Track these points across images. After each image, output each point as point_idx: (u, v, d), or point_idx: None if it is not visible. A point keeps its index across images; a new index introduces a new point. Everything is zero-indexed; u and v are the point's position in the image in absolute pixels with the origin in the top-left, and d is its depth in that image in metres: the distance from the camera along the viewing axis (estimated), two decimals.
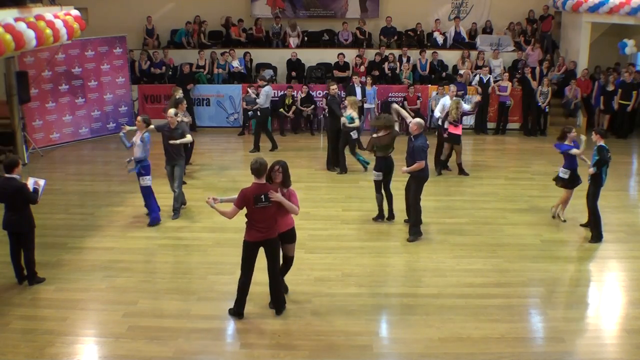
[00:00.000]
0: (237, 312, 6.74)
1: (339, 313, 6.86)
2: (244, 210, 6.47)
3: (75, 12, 12.30)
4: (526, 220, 9.62)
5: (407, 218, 9.22)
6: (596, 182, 8.71)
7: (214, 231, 9.12)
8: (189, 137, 9.60)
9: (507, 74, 15.34)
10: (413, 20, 17.05)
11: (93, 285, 7.52)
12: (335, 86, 12.19)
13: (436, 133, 12.15)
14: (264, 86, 13.21)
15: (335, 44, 16.97)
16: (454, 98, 11.74)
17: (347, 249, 8.54)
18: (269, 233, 6.48)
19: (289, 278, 7.14)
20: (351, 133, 11.73)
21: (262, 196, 6.36)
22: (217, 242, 8.75)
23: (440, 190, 11.02)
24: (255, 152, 13.37)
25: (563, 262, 8.27)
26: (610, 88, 14.98)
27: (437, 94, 14.70)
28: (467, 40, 16.83)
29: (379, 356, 6.20)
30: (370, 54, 16.14)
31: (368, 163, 11.78)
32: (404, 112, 9.60)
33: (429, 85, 15.43)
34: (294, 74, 16.06)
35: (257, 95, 13.37)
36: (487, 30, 17.08)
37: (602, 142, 8.68)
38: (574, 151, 9.06)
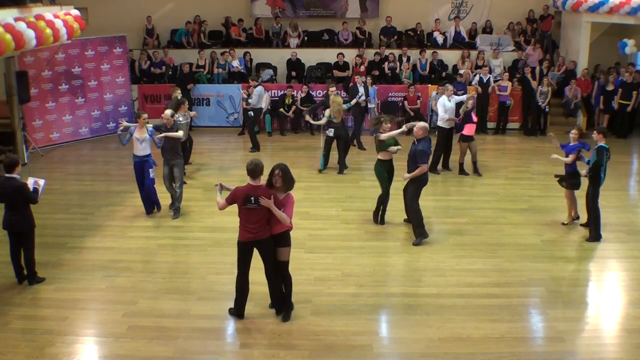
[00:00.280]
0: (237, 312, 6.73)
1: (339, 313, 6.86)
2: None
3: (75, 12, 12.31)
4: (526, 220, 9.62)
5: (406, 217, 9.21)
6: (595, 182, 8.71)
7: (214, 231, 9.12)
8: (180, 133, 9.58)
9: (507, 74, 15.34)
10: (413, 20, 17.05)
11: (93, 285, 7.52)
12: (334, 88, 12.16)
13: (436, 133, 12.13)
14: (256, 86, 13.22)
15: (335, 43, 16.97)
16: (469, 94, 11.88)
17: (347, 249, 8.54)
18: (260, 234, 6.41)
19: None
20: (326, 132, 11.82)
21: (252, 198, 6.30)
22: (216, 242, 8.75)
23: (440, 190, 11.03)
24: (254, 151, 13.41)
25: (563, 262, 8.27)
26: (610, 88, 14.98)
27: (437, 93, 14.71)
28: (467, 40, 16.83)
29: (379, 356, 6.20)
30: (370, 54, 16.13)
31: (322, 169, 12.02)
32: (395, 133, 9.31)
33: (429, 85, 15.43)
34: (294, 73, 16.06)
35: (249, 95, 13.39)
36: (487, 30, 17.09)
37: (603, 142, 8.67)
38: (567, 159, 9.00)
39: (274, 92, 15.47)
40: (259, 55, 16.46)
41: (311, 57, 16.44)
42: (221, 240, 8.75)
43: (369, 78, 14.52)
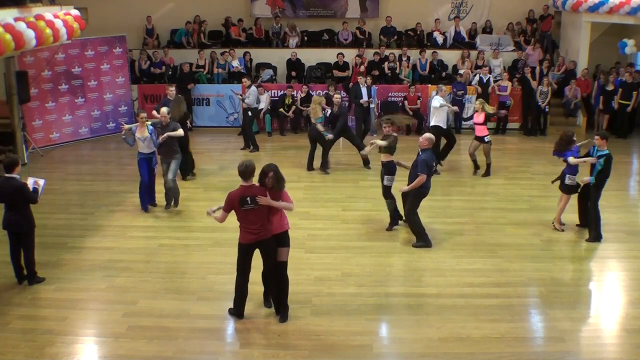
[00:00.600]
0: (236, 312, 6.73)
1: (339, 313, 6.86)
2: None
3: (75, 12, 12.31)
4: (526, 220, 9.62)
5: (405, 218, 9.19)
6: (601, 187, 8.73)
7: (214, 231, 9.10)
8: (180, 132, 9.71)
9: (506, 74, 15.34)
10: (413, 20, 17.05)
11: (93, 285, 7.52)
12: (339, 96, 12.14)
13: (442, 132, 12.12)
14: (249, 86, 13.24)
15: (335, 43, 16.97)
16: (479, 99, 11.94)
17: (347, 248, 8.54)
18: (262, 234, 6.42)
19: (289, 277, 7.06)
20: (328, 135, 11.84)
21: (248, 198, 6.30)
22: (216, 242, 8.75)
23: (440, 190, 11.01)
24: (254, 151, 13.43)
25: (563, 262, 8.27)
26: (610, 88, 14.99)
27: (436, 93, 14.71)
28: (467, 40, 16.84)
29: (379, 356, 6.20)
30: (370, 54, 16.13)
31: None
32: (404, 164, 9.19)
33: (429, 85, 15.43)
34: (293, 73, 16.06)
35: (242, 96, 13.41)
36: (487, 30, 17.09)
37: (605, 148, 8.64)
38: (572, 160, 8.92)
39: (274, 92, 15.46)
40: (259, 55, 16.46)
41: (311, 57, 16.45)
42: (221, 240, 8.74)
43: (368, 78, 14.51)
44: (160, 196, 10.16)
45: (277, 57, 16.49)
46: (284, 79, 16.27)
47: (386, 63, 15.85)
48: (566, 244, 8.86)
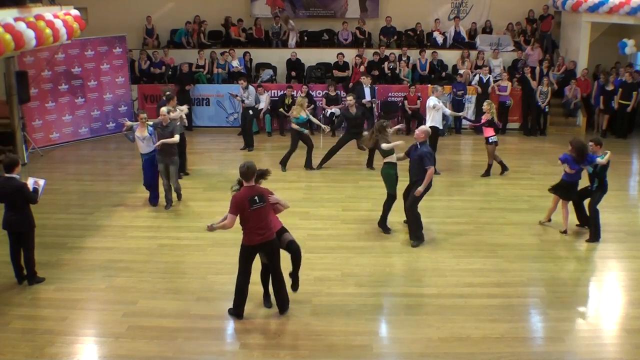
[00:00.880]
0: (236, 312, 6.74)
1: (339, 313, 6.86)
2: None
3: (75, 12, 12.30)
4: (526, 220, 9.61)
5: (406, 219, 9.18)
6: (603, 189, 8.77)
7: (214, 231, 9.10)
8: (176, 138, 9.79)
9: (506, 74, 15.34)
10: (413, 20, 17.05)
11: (93, 285, 7.52)
12: (351, 98, 12.14)
13: (439, 133, 12.12)
14: (246, 87, 13.27)
15: (335, 43, 16.97)
16: (487, 100, 11.93)
17: (347, 249, 8.54)
18: (268, 234, 6.47)
19: (288, 277, 7.06)
20: (305, 132, 11.99)
21: (256, 197, 6.37)
22: (216, 242, 8.74)
23: (440, 190, 11.01)
24: (251, 150, 13.53)
25: (563, 262, 8.27)
26: (610, 88, 14.99)
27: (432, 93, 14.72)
28: (466, 40, 16.83)
29: (378, 356, 6.20)
30: (370, 54, 16.13)
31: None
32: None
33: (429, 85, 15.40)
34: (293, 73, 16.05)
35: (240, 97, 13.43)
36: (487, 30, 17.08)
37: (600, 153, 8.65)
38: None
39: (274, 92, 15.46)
40: (259, 55, 16.46)
41: (311, 57, 16.44)
42: (221, 240, 8.73)
43: (368, 78, 14.51)
44: (160, 196, 10.18)
45: (277, 57, 16.48)
46: (284, 79, 16.26)
47: (386, 63, 15.85)
48: (566, 244, 8.85)
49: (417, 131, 8.73)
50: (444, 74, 16.06)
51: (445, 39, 16.86)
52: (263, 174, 6.69)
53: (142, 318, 6.77)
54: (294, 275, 6.92)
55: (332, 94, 15.02)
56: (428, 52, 16.18)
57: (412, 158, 8.62)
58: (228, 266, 7.81)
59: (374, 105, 14.34)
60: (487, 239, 8.94)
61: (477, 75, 15.29)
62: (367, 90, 13.54)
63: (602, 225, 8.90)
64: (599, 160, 8.62)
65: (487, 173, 11.82)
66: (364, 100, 13.44)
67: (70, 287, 7.48)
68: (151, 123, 9.85)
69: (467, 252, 8.49)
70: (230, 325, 6.68)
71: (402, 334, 6.50)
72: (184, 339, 6.38)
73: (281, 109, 15.08)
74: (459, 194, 11.01)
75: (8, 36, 9.34)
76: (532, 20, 17.15)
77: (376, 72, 15.66)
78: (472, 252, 8.49)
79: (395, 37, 16.95)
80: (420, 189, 8.47)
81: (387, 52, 16.15)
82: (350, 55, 16.00)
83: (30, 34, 9.92)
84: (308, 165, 12.15)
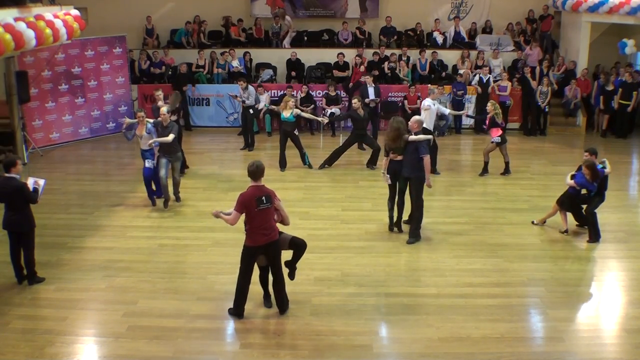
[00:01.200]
0: (236, 312, 6.74)
1: (339, 313, 6.86)
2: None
3: (75, 12, 12.29)
4: (526, 220, 9.61)
5: (406, 219, 9.18)
6: (601, 196, 8.82)
7: (214, 231, 9.11)
8: (170, 137, 9.81)
9: (506, 74, 15.34)
10: (413, 20, 17.05)
11: (93, 285, 7.52)
12: (357, 100, 12.12)
13: (436, 133, 12.11)
14: (245, 87, 13.29)
15: (335, 43, 16.96)
16: (491, 101, 11.91)
17: (347, 249, 8.54)
18: (272, 235, 6.49)
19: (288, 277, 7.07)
20: (295, 132, 11.99)
21: (263, 198, 6.37)
22: (216, 241, 8.75)
23: (440, 190, 11.02)
24: (251, 150, 13.54)
25: (563, 262, 8.27)
26: (610, 88, 14.98)
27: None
28: (466, 40, 16.83)
29: (378, 356, 6.20)
30: (370, 54, 16.12)
31: (309, 166, 12.16)
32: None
33: (429, 85, 15.39)
34: (293, 73, 16.05)
35: (241, 97, 13.43)
36: (487, 30, 17.08)
37: (596, 163, 8.66)
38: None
39: (274, 92, 15.46)
40: (259, 55, 16.45)
41: (311, 57, 16.44)
42: (221, 240, 8.75)
43: (371, 77, 14.48)
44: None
45: (277, 57, 16.48)
46: (284, 79, 16.26)
47: (386, 63, 15.85)
48: (566, 244, 8.85)
49: (410, 122, 8.73)
50: (444, 74, 16.06)
51: (445, 39, 16.86)
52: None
53: (142, 318, 6.77)
54: (292, 265, 6.91)
55: (332, 94, 15.01)
56: (428, 52, 16.18)
57: (408, 150, 8.58)
58: (228, 266, 7.81)
59: (377, 104, 14.32)
60: (487, 239, 8.94)
61: (477, 75, 15.29)
62: (371, 90, 13.53)
63: (602, 225, 8.91)
64: (607, 171, 8.72)
65: (484, 171, 11.84)
66: (367, 100, 13.43)
67: (70, 287, 7.48)
68: (151, 121, 9.93)
69: (467, 252, 8.49)
70: (230, 325, 6.68)
71: (402, 334, 6.50)
72: (184, 339, 6.37)
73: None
74: (459, 193, 11.01)
75: (8, 36, 9.34)
76: (532, 20, 17.15)
77: (376, 72, 15.65)
78: (472, 252, 8.50)
79: (395, 37, 16.94)
80: (429, 181, 8.52)
81: (387, 52, 16.15)
82: (350, 55, 15.99)
83: (30, 34, 9.92)
84: (305, 161, 12.17)
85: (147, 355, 6.11)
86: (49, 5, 11.78)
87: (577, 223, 9.30)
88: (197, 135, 14.97)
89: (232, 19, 16.86)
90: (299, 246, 6.84)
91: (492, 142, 11.56)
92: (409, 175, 8.62)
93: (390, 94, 15.47)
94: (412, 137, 8.59)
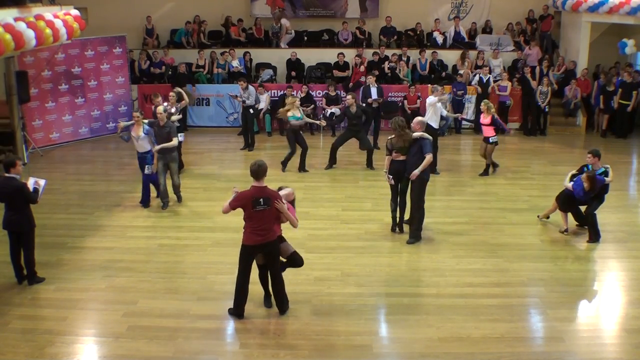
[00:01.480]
0: (236, 312, 6.74)
1: (339, 313, 6.86)
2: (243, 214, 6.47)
3: (75, 12, 12.30)
4: (526, 220, 9.62)
5: (406, 219, 9.18)
6: (601, 200, 8.81)
7: (214, 231, 9.12)
8: (174, 142, 9.84)
9: (506, 74, 15.34)
10: (413, 20, 17.05)
11: (93, 285, 7.51)
12: (351, 97, 12.13)
13: (437, 133, 12.10)
14: (246, 87, 13.29)
15: (335, 43, 16.97)
16: (485, 100, 11.87)
17: (347, 248, 8.54)
18: (268, 236, 6.44)
19: (289, 277, 7.06)
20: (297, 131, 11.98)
21: (261, 200, 6.32)
22: (216, 241, 8.75)
23: (440, 190, 11.02)
24: (251, 149, 13.55)
25: (563, 262, 8.27)
26: (611, 88, 14.98)
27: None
28: (466, 40, 16.83)
29: (378, 356, 6.20)
30: (370, 54, 16.12)
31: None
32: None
33: (429, 85, 15.38)
34: (293, 73, 16.05)
35: (242, 97, 13.43)
36: (487, 30, 17.09)
37: (600, 166, 8.65)
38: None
39: (274, 92, 15.46)
40: (259, 55, 16.46)
41: (311, 57, 16.44)
42: (221, 240, 8.75)
43: (373, 77, 14.47)
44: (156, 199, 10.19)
45: (277, 57, 16.48)
46: (284, 79, 16.26)
47: (386, 63, 15.84)
48: (566, 244, 8.85)
49: (413, 123, 8.73)
50: (444, 74, 16.06)
51: (445, 39, 16.86)
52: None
53: (142, 318, 6.77)
54: (283, 265, 6.89)
55: (332, 94, 15.01)
56: (428, 52, 16.18)
57: (412, 151, 8.56)
58: (228, 266, 7.81)
59: (379, 104, 14.32)
60: (487, 239, 8.94)
61: (477, 75, 15.29)
62: (373, 90, 13.53)
63: (602, 225, 8.91)
64: (607, 180, 8.66)
65: (485, 172, 11.84)
66: (370, 100, 13.43)
67: (70, 287, 7.47)
68: (147, 122, 9.83)
69: (467, 252, 8.49)
70: (230, 325, 6.68)
71: (402, 334, 6.50)
72: (184, 339, 6.37)
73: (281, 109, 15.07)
74: (459, 194, 11.01)
75: (8, 36, 9.34)
76: (532, 20, 17.15)
77: (376, 72, 15.63)
78: (472, 252, 8.49)
79: (395, 37, 16.95)
80: (417, 171, 8.41)
81: (387, 52, 16.15)
82: (350, 55, 15.99)
83: (30, 34, 9.92)
84: (302, 168, 12.05)
85: (147, 355, 6.11)
86: (49, 5, 11.79)
87: (577, 223, 9.29)
88: (197, 135, 14.97)
89: (232, 19, 16.86)
90: (295, 261, 6.84)
91: (492, 143, 11.56)
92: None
93: (390, 94, 15.46)
94: (417, 134, 8.58)
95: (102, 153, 13.93)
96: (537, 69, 15.52)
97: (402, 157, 8.68)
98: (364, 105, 12.92)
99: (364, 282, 7.57)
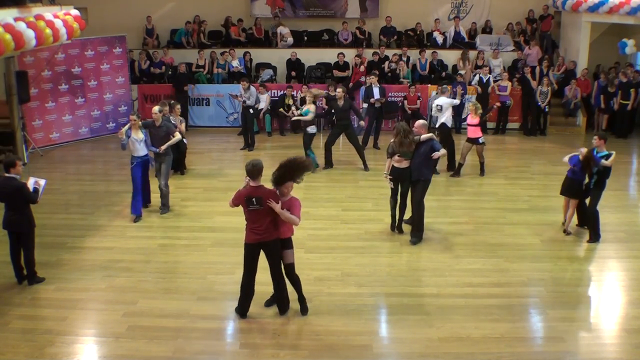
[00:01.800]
0: (239, 311, 6.74)
1: (339, 313, 6.86)
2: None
3: (75, 12, 12.29)
4: (526, 220, 9.62)
5: (406, 219, 9.18)
6: (601, 186, 8.72)
7: (214, 231, 9.12)
8: (178, 136, 9.75)
9: (506, 74, 15.34)
10: (413, 20, 17.06)
11: (93, 285, 7.51)
12: (341, 90, 12.14)
13: (436, 133, 12.12)
14: (248, 87, 13.31)
15: (335, 43, 16.97)
16: (472, 101, 11.79)
17: (347, 248, 8.54)
18: (265, 236, 6.42)
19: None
20: (308, 128, 11.92)
21: (254, 199, 6.31)
22: (216, 241, 8.75)
23: (440, 190, 11.02)
24: (251, 149, 13.55)
25: (563, 262, 8.27)
26: (612, 89, 14.97)
27: (436, 93, 14.71)
28: (466, 40, 16.83)
29: (378, 356, 6.20)
30: (370, 54, 16.12)
31: (317, 166, 11.98)
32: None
33: (429, 85, 15.43)
34: (293, 73, 16.06)
35: (242, 97, 13.43)
36: (487, 30, 17.09)
37: (604, 149, 8.62)
38: (604, 163, 8.56)
39: (274, 92, 15.46)
40: (259, 55, 16.46)
41: (311, 57, 16.44)
42: (221, 240, 8.75)
43: (373, 77, 14.47)
44: (155, 196, 10.09)
45: (277, 57, 16.48)
46: (284, 79, 16.27)
47: (386, 63, 15.84)
48: (566, 244, 8.85)
49: (415, 127, 8.72)
50: (444, 74, 16.06)
51: (445, 39, 16.86)
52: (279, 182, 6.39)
53: (142, 318, 6.77)
54: (272, 302, 6.88)
55: (332, 94, 14.98)
56: (428, 52, 16.18)
57: (418, 152, 8.52)
58: (228, 266, 7.82)
59: (382, 104, 14.33)
60: (487, 239, 8.94)
61: (477, 75, 15.29)
62: (376, 90, 13.54)
63: (602, 225, 8.90)
64: (603, 162, 8.57)
65: (482, 172, 11.84)
66: (372, 100, 13.43)
67: (70, 287, 7.47)
68: (140, 124, 9.44)
69: (467, 252, 8.49)
70: (230, 325, 6.68)
71: (402, 334, 6.50)
72: (184, 339, 6.37)
73: (281, 109, 15.09)
74: (459, 194, 11.01)
75: (8, 36, 9.34)
76: (532, 20, 17.15)
77: (376, 72, 15.63)
78: (472, 252, 8.50)
79: (395, 37, 16.96)
80: (439, 153, 8.51)
81: (387, 52, 16.15)
82: (350, 55, 15.99)
83: (30, 34, 9.92)
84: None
85: (147, 355, 6.11)
86: (49, 5, 11.78)
87: (577, 223, 9.29)
88: (197, 135, 14.96)
89: (232, 19, 16.87)
90: (291, 277, 6.74)
91: (482, 143, 11.55)
92: (416, 178, 8.59)
93: (390, 94, 15.46)
94: (426, 136, 8.55)
95: (102, 153, 13.93)
96: (537, 69, 15.51)
97: (405, 163, 8.65)
98: (365, 104, 12.91)
99: (364, 282, 7.57)
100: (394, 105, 15.32)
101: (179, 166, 11.74)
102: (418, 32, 16.96)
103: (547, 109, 15.16)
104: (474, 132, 11.54)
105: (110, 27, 15.45)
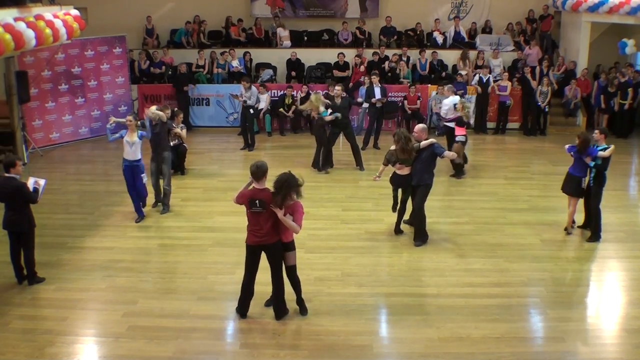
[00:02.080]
0: (240, 311, 6.75)
1: (339, 313, 6.86)
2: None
3: (75, 12, 12.30)
4: (526, 220, 9.62)
5: (407, 219, 9.18)
6: (601, 182, 8.70)
7: (214, 231, 9.12)
8: (183, 132, 9.87)
9: (506, 74, 15.34)
10: (413, 20, 17.06)
11: (93, 285, 7.51)
12: (339, 88, 12.13)
13: (436, 133, 12.13)
14: (248, 87, 13.32)
15: (335, 43, 16.97)
16: (461, 99, 11.75)
17: (347, 248, 8.54)
18: (266, 239, 6.39)
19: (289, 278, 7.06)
20: (325, 127, 11.92)
21: (257, 201, 6.28)
22: (216, 241, 8.75)
23: (440, 190, 11.01)
24: (251, 149, 13.55)
25: (563, 262, 8.27)
26: (613, 90, 14.98)
27: (436, 93, 14.73)
28: (466, 40, 16.84)
29: (378, 356, 6.20)
30: (370, 54, 16.12)
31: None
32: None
33: (429, 85, 15.44)
34: (293, 73, 16.06)
35: (243, 96, 13.43)
36: (487, 30, 17.09)
37: (604, 143, 8.63)
38: (601, 154, 8.56)
39: (274, 92, 15.46)
40: (259, 55, 16.46)
41: (311, 57, 16.44)
42: (221, 240, 8.75)
43: (373, 77, 14.48)
44: (150, 196, 10.05)
45: (277, 57, 16.48)
46: (284, 79, 16.27)
47: (386, 63, 15.84)
48: (566, 244, 8.86)
49: (416, 132, 8.71)
50: (444, 74, 16.06)
51: (445, 39, 16.86)
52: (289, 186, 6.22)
53: (142, 318, 6.77)
54: (270, 303, 6.82)
55: (332, 93, 14.99)
56: (428, 52, 16.19)
57: (420, 157, 8.51)
58: (228, 266, 7.82)
59: (383, 104, 14.34)
60: (487, 239, 8.94)
61: (477, 75, 15.29)
62: (377, 90, 13.54)
63: (602, 225, 8.90)
64: (601, 153, 8.55)
65: (457, 173, 11.76)
66: (373, 100, 13.43)
67: (70, 287, 7.48)
68: (139, 124, 9.37)
69: (467, 252, 8.49)
70: (231, 325, 6.68)
71: (402, 334, 6.50)
72: (184, 339, 6.37)
73: (281, 109, 15.09)
74: (459, 194, 11.01)
75: (8, 36, 9.34)
76: (532, 20, 17.16)
77: (376, 72, 15.62)
78: (472, 252, 8.50)
79: (395, 37, 16.96)
80: (449, 154, 8.60)
81: (387, 52, 16.15)
82: (350, 55, 16.00)
83: (30, 34, 9.92)
84: (324, 166, 12.06)
85: (147, 355, 6.11)
86: (49, 5, 11.78)
87: (579, 225, 9.28)
88: (197, 135, 14.97)
89: (232, 19, 16.86)
90: (292, 279, 6.74)
91: (458, 142, 11.47)
92: (417, 183, 8.59)
93: (390, 94, 15.45)
94: (427, 142, 8.50)
95: (102, 153, 13.93)
96: (537, 69, 15.51)
97: (406, 170, 8.65)
98: (362, 101, 12.88)
99: (364, 282, 7.57)
100: (394, 105, 15.32)
101: (177, 168, 11.71)
102: (418, 32, 16.96)
103: (547, 109, 15.16)
104: (457, 130, 11.47)
105: (110, 27, 15.45)
